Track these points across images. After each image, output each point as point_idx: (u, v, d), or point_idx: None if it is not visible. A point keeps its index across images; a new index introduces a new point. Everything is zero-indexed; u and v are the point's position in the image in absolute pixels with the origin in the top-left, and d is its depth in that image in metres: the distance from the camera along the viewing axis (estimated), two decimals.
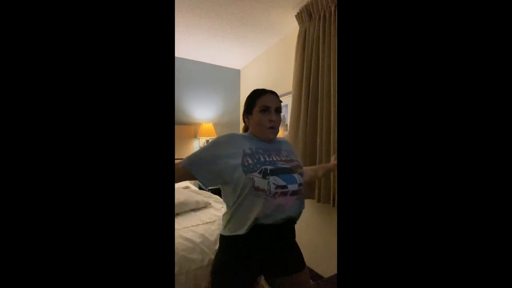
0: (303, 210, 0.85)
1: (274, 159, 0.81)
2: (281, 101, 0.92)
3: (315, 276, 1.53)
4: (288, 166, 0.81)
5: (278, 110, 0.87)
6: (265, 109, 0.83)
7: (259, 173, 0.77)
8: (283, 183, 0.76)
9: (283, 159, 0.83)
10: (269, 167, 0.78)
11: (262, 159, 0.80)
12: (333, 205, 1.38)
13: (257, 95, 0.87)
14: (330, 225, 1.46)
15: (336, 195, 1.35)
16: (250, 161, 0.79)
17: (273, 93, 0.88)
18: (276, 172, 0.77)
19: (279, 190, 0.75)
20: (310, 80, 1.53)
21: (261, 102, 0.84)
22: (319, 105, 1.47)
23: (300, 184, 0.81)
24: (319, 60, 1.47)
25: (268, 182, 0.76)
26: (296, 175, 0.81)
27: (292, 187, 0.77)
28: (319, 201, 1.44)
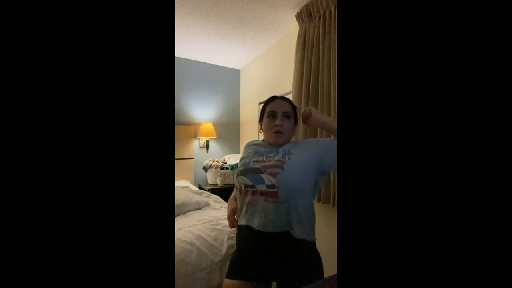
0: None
1: (254, 160, 0.84)
2: (295, 107, 0.89)
3: None
4: (257, 167, 0.81)
5: (287, 115, 0.85)
6: (271, 114, 0.86)
7: (236, 174, 0.87)
8: (250, 183, 0.81)
9: (262, 159, 0.83)
10: (241, 168, 0.85)
11: (246, 161, 0.86)
12: (333, 205, 1.38)
13: (267, 102, 0.90)
14: (330, 225, 1.46)
15: (336, 195, 1.35)
16: (240, 164, 0.89)
17: (284, 99, 0.89)
18: (244, 172, 0.83)
19: (249, 189, 0.81)
20: (310, 80, 1.53)
21: (269, 108, 0.88)
22: (319, 105, 1.47)
23: (270, 186, 0.76)
24: (319, 60, 1.47)
25: (239, 182, 0.84)
26: (265, 176, 0.77)
27: (260, 187, 0.79)
28: (319, 201, 1.44)
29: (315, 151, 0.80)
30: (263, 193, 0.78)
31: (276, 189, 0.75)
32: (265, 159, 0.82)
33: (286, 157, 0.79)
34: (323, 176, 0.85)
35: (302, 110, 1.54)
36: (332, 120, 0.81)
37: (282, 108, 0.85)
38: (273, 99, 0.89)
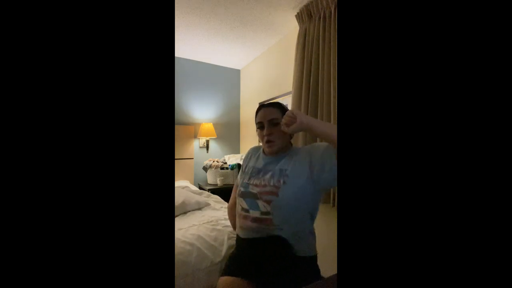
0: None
1: (253, 182, 0.84)
2: (285, 110, 0.84)
3: None
4: (254, 192, 0.81)
5: (274, 122, 0.82)
6: (259, 127, 0.86)
7: (237, 193, 0.89)
8: (246, 207, 0.82)
9: (260, 183, 0.82)
10: (241, 189, 0.86)
11: (246, 180, 0.87)
12: (333, 205, 1.38)
13: (256, 113, 0.89)
14: (330, 225, 1.46)
15: (336, 195, 1.35)
16: (241, 181, 0.90)
17: (270, 105, 0.87)
18: (243, 195, 0.84)
19: (243, 213, 0.83)
20: (310, 80, 1.53)
21: (257, 119, 0.88)
22: (319, 106, 1.47)
23: (265, 213, 0.76)
24: (319, 60, 1.47)
25: (238, 203, 0.86)
26: (260, 202, 0.78)
27: (253, 213, 0.79)
28: None
29: (309, 166, 0.75)
30: (255, 220, 0.79)
31: (270, 216, 0.76)
32: (262, 182, 0.81)
33: (281, 181, 0.77)
34: (323, 192, 0.85)
35: (302, 110, 1.54)
36: (323, 125, 0.68)
37: (268, 116, 0.83)
38: (259, 108, 0.88)
